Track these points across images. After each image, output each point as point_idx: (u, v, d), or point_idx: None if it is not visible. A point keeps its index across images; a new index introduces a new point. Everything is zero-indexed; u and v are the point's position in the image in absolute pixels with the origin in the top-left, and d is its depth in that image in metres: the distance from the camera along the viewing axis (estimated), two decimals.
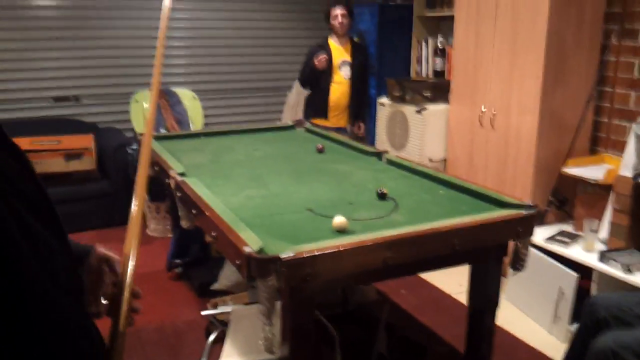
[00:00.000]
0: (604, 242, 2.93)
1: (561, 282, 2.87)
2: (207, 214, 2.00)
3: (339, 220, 1.88)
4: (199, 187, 2.29)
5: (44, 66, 4.66)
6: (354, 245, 1.69)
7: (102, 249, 1.02)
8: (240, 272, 1.68)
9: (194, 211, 2.18)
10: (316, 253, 1.62)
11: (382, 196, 2.23)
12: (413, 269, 2.18)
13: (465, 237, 1.85)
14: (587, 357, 2.02)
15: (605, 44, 3.30)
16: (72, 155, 4.26)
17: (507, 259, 2.11)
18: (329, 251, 1.64)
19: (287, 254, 1.58)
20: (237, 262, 1.68)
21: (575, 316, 2.75)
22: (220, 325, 2.73)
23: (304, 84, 4.43)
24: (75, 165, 4.28)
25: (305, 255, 1.60)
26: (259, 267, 1.57)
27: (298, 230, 1.91)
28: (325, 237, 1.78)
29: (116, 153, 4.35)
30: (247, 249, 1.61)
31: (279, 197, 2.30)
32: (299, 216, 2.06)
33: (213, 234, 1.95)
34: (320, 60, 4.13)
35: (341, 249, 1.66)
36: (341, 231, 1.86)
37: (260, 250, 1.63)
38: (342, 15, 4.20)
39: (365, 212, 2.08)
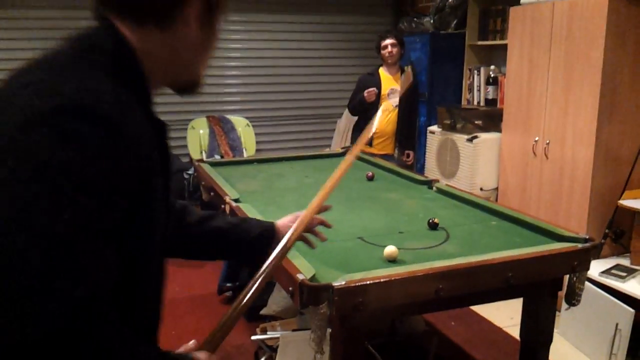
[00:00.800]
0: None
1: (617, 318, 2.77)
2: None
3: (390, 249, 1.89)
4: (252, 214, 2.35)
5: None
6: (406, 275, 1.69)
7: (282, 222, 1.41)
8: (293, 299, 1.70)
9: None
10: (368, 282, 1.63)
11: (433, 226, 2.22)
12: (465, 302, 2.16)
13: (520, 271, 1.82)
14: None
15: None
16: None
17: (561, 293, 2.06)
18: (381, 280, 1.65)
19: (339, 282, 1.60)
20: (290, 289, 1.71)
21: (632, 353, 2.65)
22: (269, 350, 2.75)
23: (353, 112, 4.49)
24: None
25: (357, 284, 1.62)
26: (311, 294, 1.60)
27: (349, 258, 1.93)
28: (377, 266, 1.79)
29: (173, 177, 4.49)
30: (300, 276, 1.64)
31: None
32: (350, 244, 2.08)
33: None
34: (369, 92, 4.19)
35: (393, 278, 1.67)
36: (392, 261, 1.87)
37: (313, 278, 1.66)
38: (392, 45, 4.25)
39: (416, 241, 2.08)
